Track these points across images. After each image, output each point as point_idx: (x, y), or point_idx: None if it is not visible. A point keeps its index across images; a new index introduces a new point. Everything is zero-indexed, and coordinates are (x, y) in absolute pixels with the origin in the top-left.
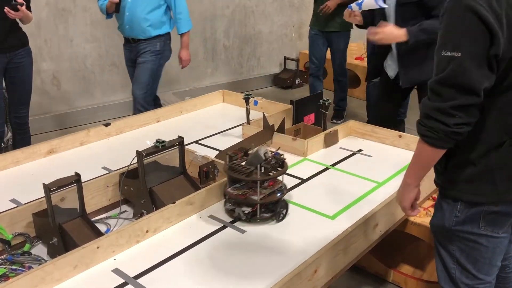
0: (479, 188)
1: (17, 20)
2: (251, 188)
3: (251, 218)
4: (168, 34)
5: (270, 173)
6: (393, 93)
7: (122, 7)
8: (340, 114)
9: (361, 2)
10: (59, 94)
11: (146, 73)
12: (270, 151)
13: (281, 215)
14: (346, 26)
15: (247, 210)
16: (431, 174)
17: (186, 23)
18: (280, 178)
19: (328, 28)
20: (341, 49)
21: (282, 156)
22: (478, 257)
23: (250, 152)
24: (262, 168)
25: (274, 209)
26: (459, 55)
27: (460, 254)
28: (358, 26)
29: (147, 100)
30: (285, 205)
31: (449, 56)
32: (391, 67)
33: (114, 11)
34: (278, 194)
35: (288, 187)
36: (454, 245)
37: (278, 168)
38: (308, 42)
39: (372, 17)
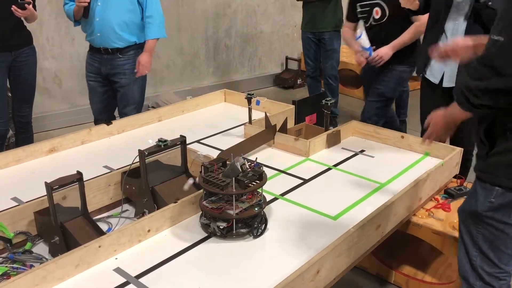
0: None
1: (22, 18)
2: (228, 202)
3: (227, 234)
4: (143, 43)
5: (249, 185)
6: (441, 98)
7: (91, 11)
8: (333, 121)
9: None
10: (60, 93)
11: (137, 92)
12: (249, 162)
13: (259, 230)
14: (337, 26)
15: (222, 225)
16: (434, 176)
17: (156, 29)
18: (260, 190)
19: (319, 29)
20: (333, 49)
21: (261, 168)
22: (501, 246)
23: (228, 163)
24: (238, 181)
25: (252, 224)
26: (502, 39)
27: (483, 241)
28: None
29: None
30: (264, 220)
31: (494, 39)
32: (435, 71)
33: (82, 16)
34: (256, 209)
35: (290, 187)
36: (479, 232)
37: (256, 181)
38: (302, 45)
39: (426, 2)
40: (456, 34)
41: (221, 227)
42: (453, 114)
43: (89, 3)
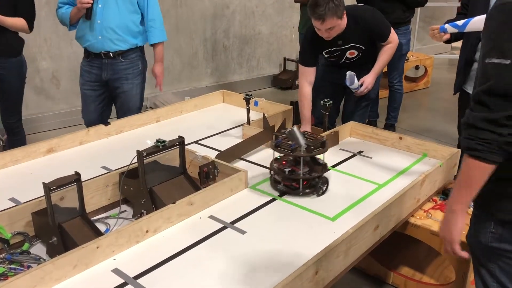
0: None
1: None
2: (295, 165)
3: (294, 192)
4: (143, 46)
5: (314, 151)
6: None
7: (93, 13)
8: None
9: (465, 24)
10: (58, 93)
11: (138, 97)
12: (308, 132)
13: (321, 190)
14: None
15: (291, 184)
16: (432, 177)
17: (159, 33)
18: (321, 157)
19: None
20: None
21: (323, 137)
22: None
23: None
24: (305, 146)
25: (315, 184)
26: (508, 62)
27: (499, 272)
28: (446, 42)
29: None
30: (326, 181)
31: (495, 63)
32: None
33: (85, 18)
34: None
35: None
36: (493, 263)
37: (320, 148)
38: (299, 47)
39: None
40: None
41: (290, 186)
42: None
43: (92, 4)
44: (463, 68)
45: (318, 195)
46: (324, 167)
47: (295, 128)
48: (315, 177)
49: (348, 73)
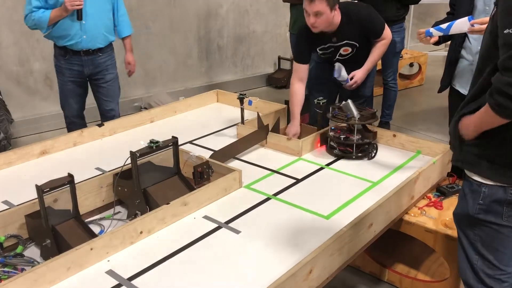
0: (504, 172)
1: None
2: (349, 133)
3: (348, 156)
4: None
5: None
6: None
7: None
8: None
9: (448, 28)
10: (52, 94)
11: (117, 87)
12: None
13: (371, 154)
14: None
15: (345, 149)
16: (426, 174)
17: (129, 26)
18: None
19: None
20: None
21: (374, 109)
22: (499, 247)
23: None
24: (359, 115)
25: (366, 149)
26: None
27: (481, 244)
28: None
29: (118, 110)
30: (375, 147)
31: None
32: (465, 83)
33: (78, 19)
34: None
35: (283, 187)
36: (476, 235)
37: (371, 118)
38: (291, 46)
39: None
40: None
41: (345, 151)
42: (486, 121)
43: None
44: (449, 66)
45: (369, 159)
46: (374, 135)
47: (349, 101)
48: (367, 143)
49: (337, 64)
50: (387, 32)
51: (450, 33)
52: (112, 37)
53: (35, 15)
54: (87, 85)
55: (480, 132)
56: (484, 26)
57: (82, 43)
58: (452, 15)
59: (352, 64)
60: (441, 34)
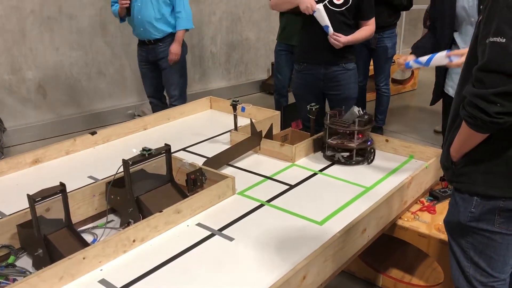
0: (495, 181)
1: None
2: (347, 139)
3: (348, 161)
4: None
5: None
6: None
7: (133, 10)
8: None
9: (428, 61)
10: (45, 103)
11: (177, 74)
12: (359, 111)
13: (370, 158)
14: None
15: (345, 154)
16: (419, 178)
17: (184, 21)
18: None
19: (295, 42)
20: None
21: (371, 115)
22: (492, 254)
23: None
24: (357, 121)
25: (365, 154)
26: (503, 40)
27: (474, 251)
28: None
29: (183, 97)
30: (373, 151)
31: (491, 42)
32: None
33: (126, 14)
34: (368, 143)
35: (276, 193)
36: (468, 242)
37: (368, 125)
38: (274, 57)
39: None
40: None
41: (345, 156)
42: (468, 138)
43: (129, 3)
44: (439, 77)
45: (369, 163)
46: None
47: (321, 6)
48: (368, 147)
49: (318, 5)
50: (373, 24)
51: (430, 66)
52: (169, 29)
53: (112, 8)
54: (158, 71)
55: (467, 151)
56: (463, 58)
57: (141, 34)
58: (434, 28)
59: (337, 30)
60: (420, 67)
